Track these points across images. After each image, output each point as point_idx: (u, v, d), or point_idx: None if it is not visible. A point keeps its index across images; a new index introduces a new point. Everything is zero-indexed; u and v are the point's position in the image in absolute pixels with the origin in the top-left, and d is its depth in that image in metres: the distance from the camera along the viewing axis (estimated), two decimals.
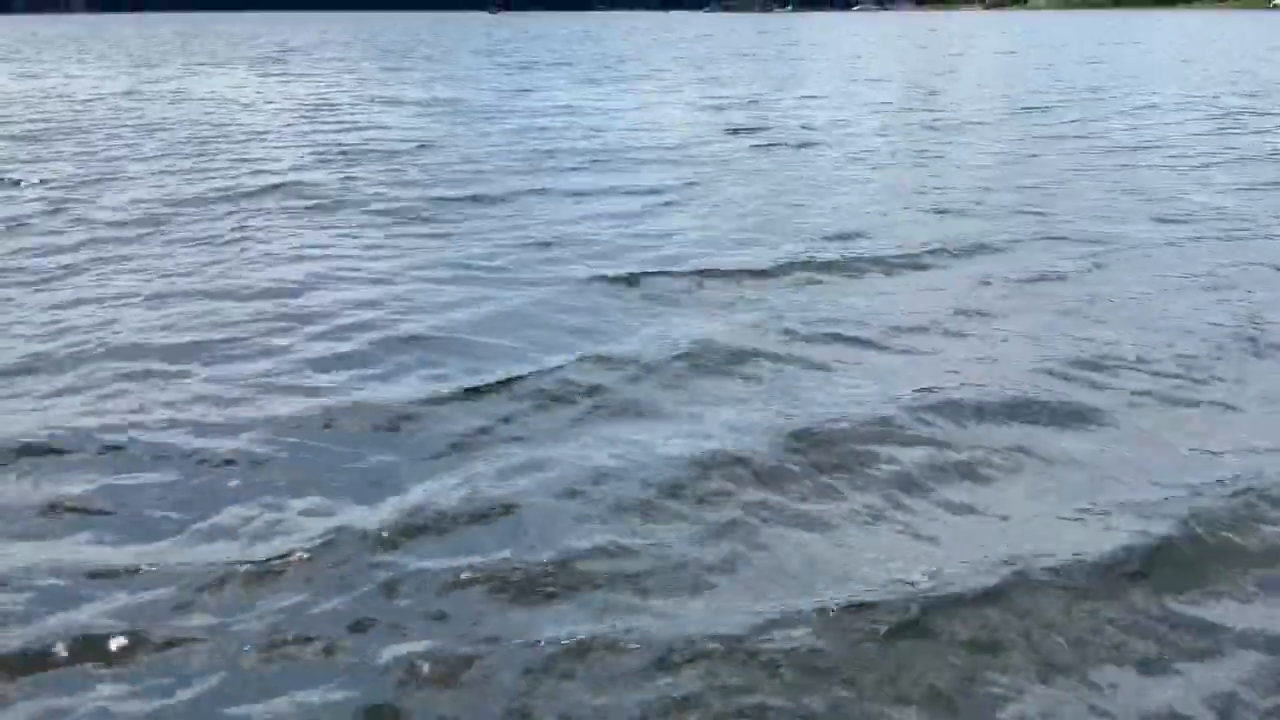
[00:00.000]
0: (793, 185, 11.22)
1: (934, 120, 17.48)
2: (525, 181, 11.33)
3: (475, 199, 10.29)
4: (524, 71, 31.67)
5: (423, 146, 14.12)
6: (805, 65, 35.80)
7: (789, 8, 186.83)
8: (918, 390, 5.11)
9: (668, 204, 10.13)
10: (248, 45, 54.28)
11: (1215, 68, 30.96)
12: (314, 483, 4.19)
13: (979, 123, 17.00)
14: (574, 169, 12.30)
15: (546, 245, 8.28)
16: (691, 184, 11.17)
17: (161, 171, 12.09)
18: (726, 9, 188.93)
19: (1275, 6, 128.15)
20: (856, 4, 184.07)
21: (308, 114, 18.64)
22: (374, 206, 9.94)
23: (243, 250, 8.20)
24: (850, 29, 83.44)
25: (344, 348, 5.82)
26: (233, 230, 8.88)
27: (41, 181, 11.38)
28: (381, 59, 40.06)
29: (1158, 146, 14.15)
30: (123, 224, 9.13)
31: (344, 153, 13.51)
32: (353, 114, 18.69)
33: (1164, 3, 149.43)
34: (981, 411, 4.88)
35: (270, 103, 21.04)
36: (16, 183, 11.33)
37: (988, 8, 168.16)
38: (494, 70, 32.48)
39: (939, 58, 39.92)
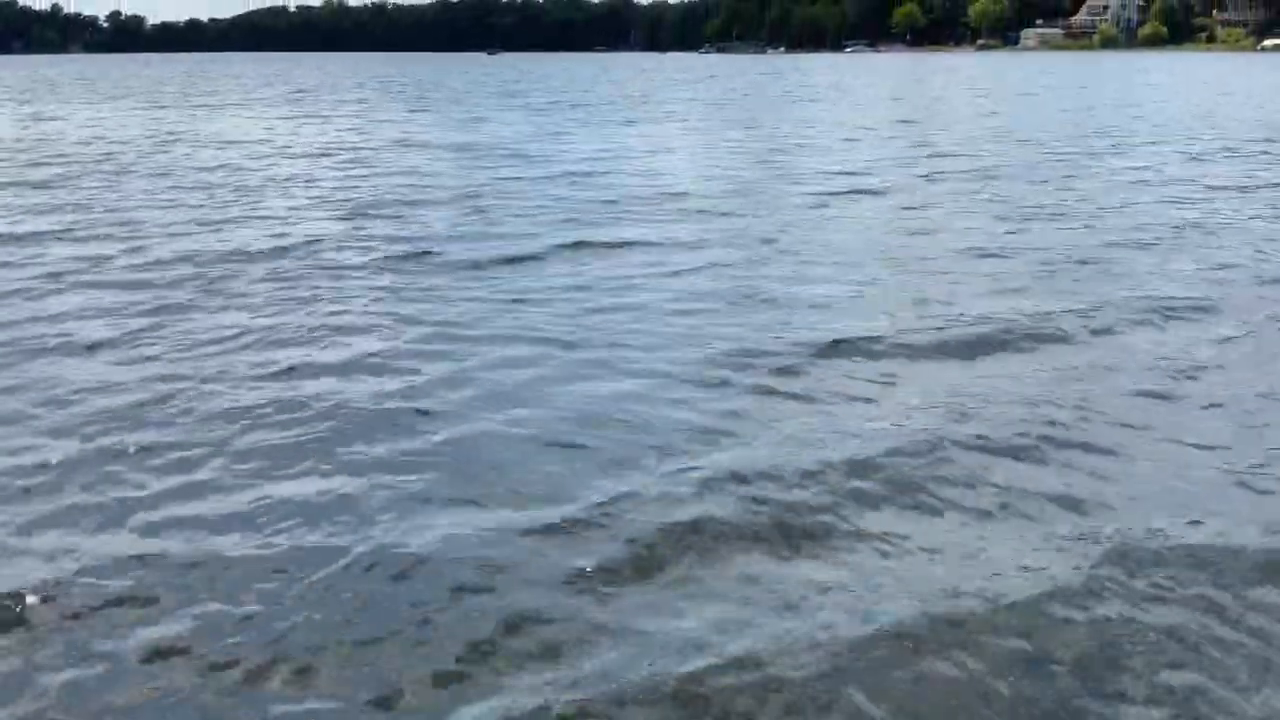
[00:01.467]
0: (876, 239, 10.76)
1: (999, 166, 17.39)
2: (590, 233, 10.78)
3: (537, 257, 9.61)
4: (545, 113, 31.71)
5: (469, 196, 13.68)
6: (827, 106, 35.94)
7: (781, 49, 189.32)
8: None
9: (753, 261, 9.47)
10: (260, 87, 54.43)
11: (1245, 111, 31.18)
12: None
13: (1062, 162, 16.94)
14: (633, 219, 11.87)
15: (628, 314, 7.59)
16: (771, 241, 10.46)
17: (213, 222, 11.70)
18: (721, 51, 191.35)
19: (1263, 48, 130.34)
20: (849, 46, 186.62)
21: (343, 159, 18.40)
22: (436, 261, 9.42)
23: (303, 313, 7.56)
24: (861, 69, 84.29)
25: (410, 458, 4.84)
26: (283, 291, 8.26)
27: (74, 231, 11.07)
28: (400, 100, 40.14)
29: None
30: (154, 285, 8.51)
31: (392, 202, 13.07)
32: (387, 159, 18.48)
33: (1149, 45, 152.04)
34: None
35: (301, 147, 20.90)
36: (53, 234, 10.93)
37: (978, 49, 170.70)
38: (516, 112, 32.52)
39: (975, 99, 40.15)
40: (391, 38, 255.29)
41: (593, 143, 21.53)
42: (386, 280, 8.70)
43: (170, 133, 24.21)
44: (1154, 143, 20.70)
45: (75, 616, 3.50)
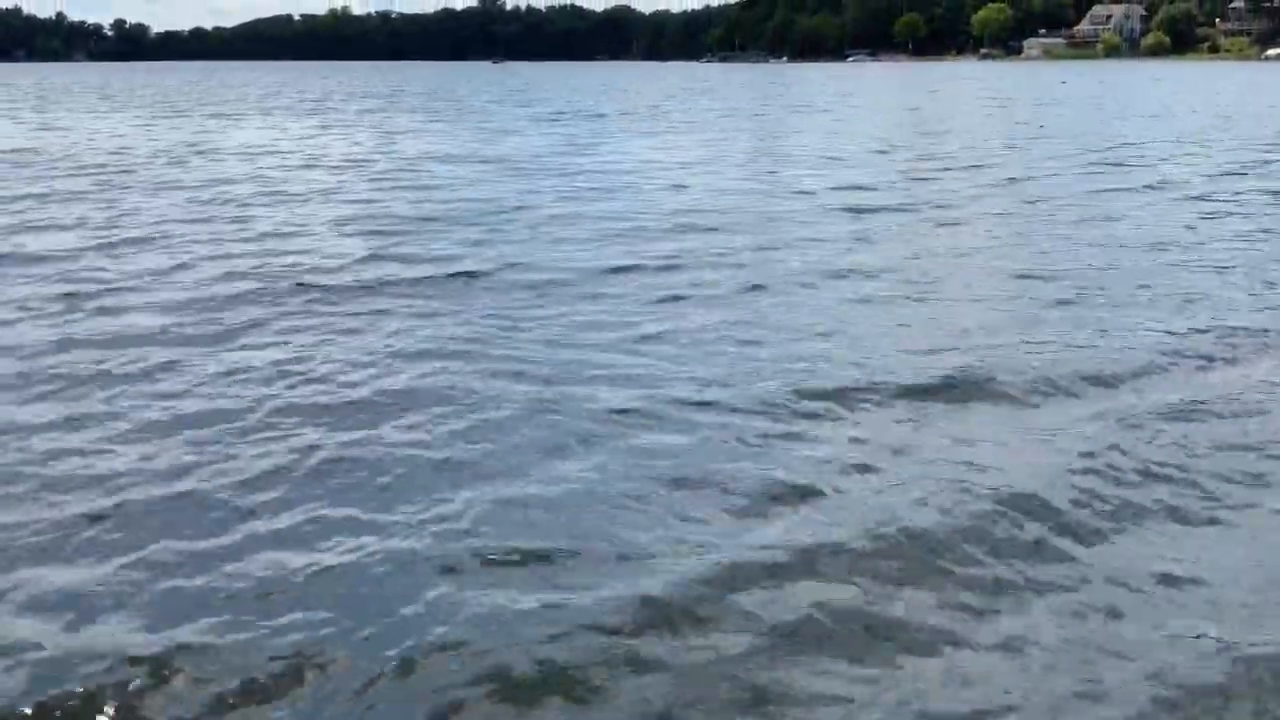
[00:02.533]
0: (922, 260, 10.20)
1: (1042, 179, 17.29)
2: (638, 249, 10.53)
3: (588, 278, 9.22)
4: (566, 124, 31.65)
5: (508, 211, 13.41)
6: (845, 116, 35.87)
7: (784, 59, 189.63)
8: None
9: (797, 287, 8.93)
10: (272, 96, 54.42)
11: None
12: None
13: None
14: (676, 235, 11.66)
15: (681, 344, 7.09)
16: (836, 272, 9.58)
17: (254, 237, 11.44)
18: (724, 60, 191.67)
19: (1267, 58, 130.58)
20: (851, 55, 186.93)
21: (370, 172, 18.17)
22: (487, 283, 9.05)
23: (353, 343, 7.15)
24: (868, 78, 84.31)
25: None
26: (331, 319, 7.84)
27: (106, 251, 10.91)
28: (418, 111, 40.05)
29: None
30: (195, 310, 8.13)
31: (424, 219, 12.66)
32: (414, 171, 18.27)
33: (1152, 55, 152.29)
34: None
35: (330, 159, 20.78)
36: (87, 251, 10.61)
37: (980, 59, 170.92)
38: (533, 122, 32.44)
39: (997, 109, 40.10)
40: (395, 46, 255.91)
41: (619, 155, 21.46)
42: (435, 304, 8.35)
43: (194, 144, 24.11)
44: (1185, 154, 20.62)
45: None
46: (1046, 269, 9.62)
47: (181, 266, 9.81)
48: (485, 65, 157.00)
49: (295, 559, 4.07)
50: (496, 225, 12.28)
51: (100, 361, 6.70)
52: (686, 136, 26.58)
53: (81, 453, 5.13)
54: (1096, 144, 22.91)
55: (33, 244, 10.92)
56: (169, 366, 6.58)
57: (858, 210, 13.46)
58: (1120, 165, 18.76)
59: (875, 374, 6.35)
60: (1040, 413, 5.76)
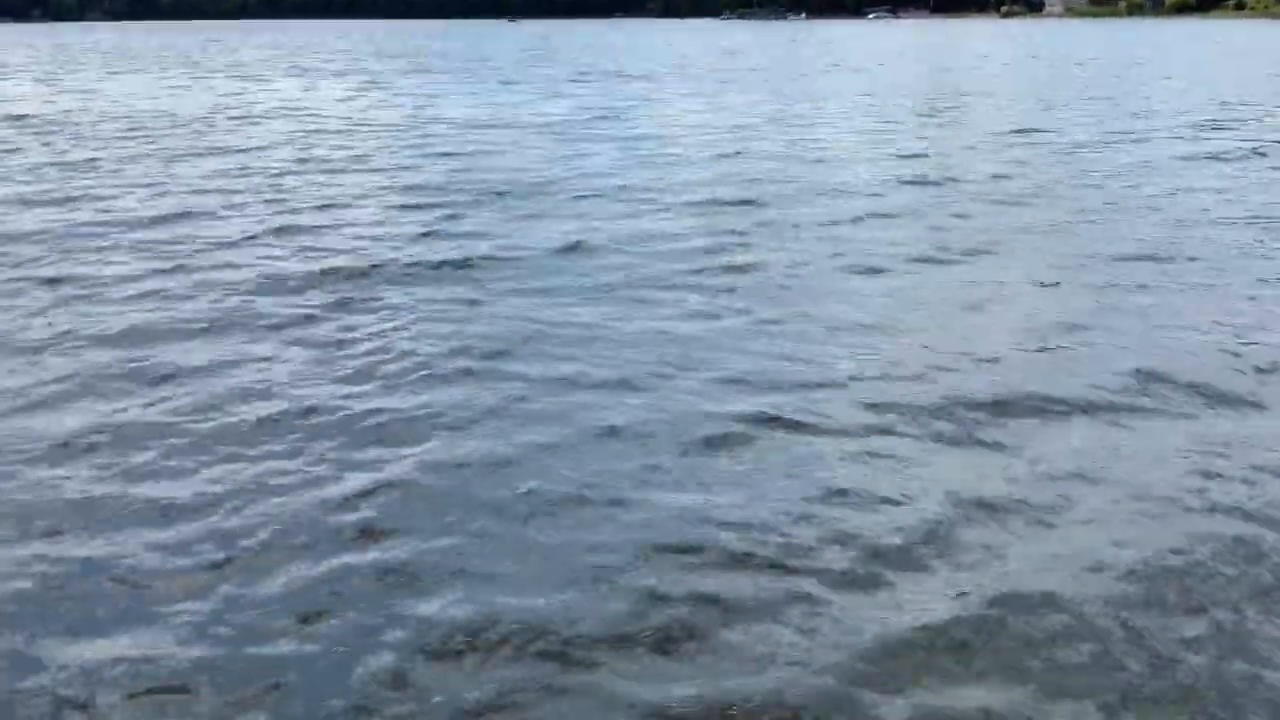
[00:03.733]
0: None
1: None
2: (717, 227, 10.33)
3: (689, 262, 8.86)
4: (604, 82, 31.42)
5: (576, 177, 13.11)
6: (886, 77, 35.40)
7: (802, 15, 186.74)
8: None
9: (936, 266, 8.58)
10: (297, 55, 54.02)
11: None
12: None
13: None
14: (776, 205, 11.54)
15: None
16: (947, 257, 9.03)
17: (305, 229, 10.47)
18: (742, 17, 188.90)
19: None
20: (870, 12, 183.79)
21: (409, 137, 17.77)
22: (583, 268, 8.65)
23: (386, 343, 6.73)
24: (895, 37, 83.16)
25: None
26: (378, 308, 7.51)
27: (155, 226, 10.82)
28: (455, 72, 39.54)
29: None
30: (244, 299, 7.77)
31: (493, 193, 12.19)
32: (460, 138, 17.80)
33: (1176, 11, 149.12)
34: None
35: (378, 123, 20.62)
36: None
37: (1003, 16, 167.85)
38: (571, 83, 32.06)
39: (1046, 70, 39.48)
40: (408, 5, 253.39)
41: (674, 116, 21.34)
42: (537, 286, 8.11)
43: (233, 105, 24.03)
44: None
45: None
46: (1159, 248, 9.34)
47: (251, 239, 9.81)
48: (503, 24, 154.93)
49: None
50: (563, 200, 11.86)
51: (190, 335, 6.80)
52: (736, 97, 26.38)
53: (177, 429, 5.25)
54: (1171, 106, 22.60)
55: (86, 214, 10.92)
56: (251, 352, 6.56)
57: (925, 183, 13.20)
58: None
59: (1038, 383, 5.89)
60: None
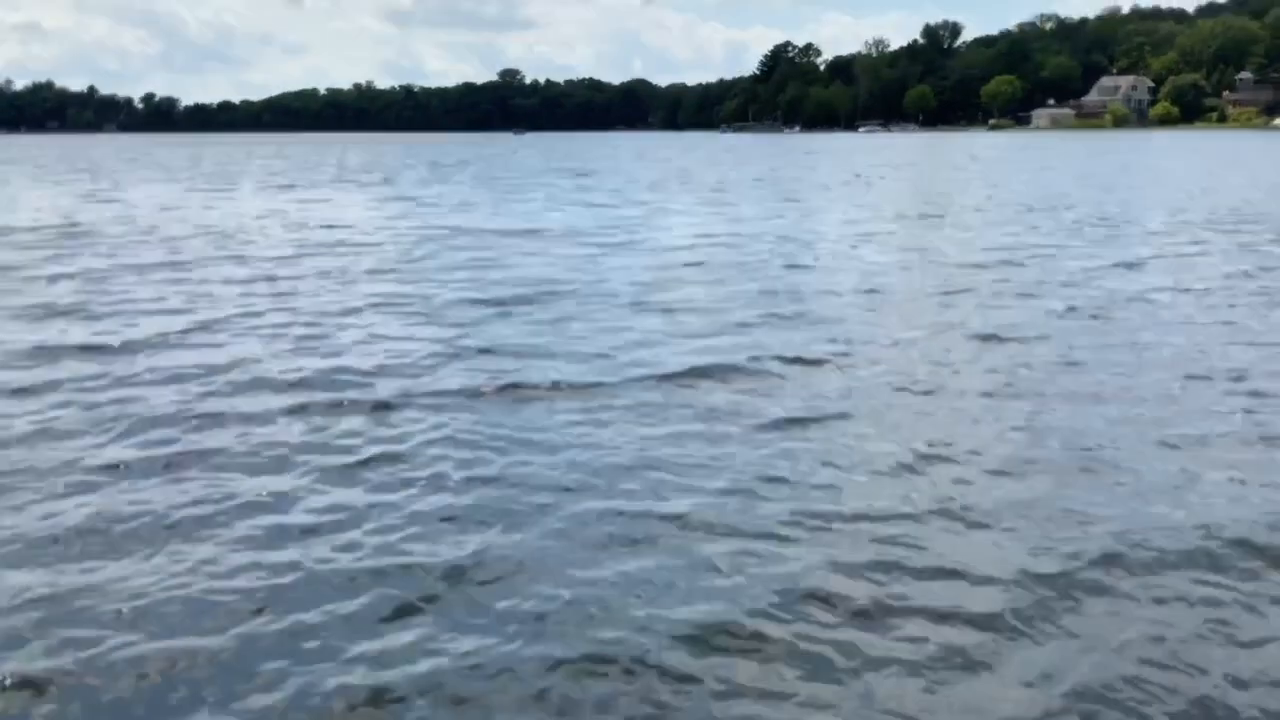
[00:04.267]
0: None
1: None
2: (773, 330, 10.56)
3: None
4: (631, 195, 32.28)
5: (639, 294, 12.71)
6: (895, 188, 36.43)
7: (797, 129, 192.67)
8: None
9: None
10: (325, 168, 55.36)
11: None
12: None
13: None
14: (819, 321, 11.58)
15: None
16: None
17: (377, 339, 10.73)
18: (739, 130, 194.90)
19: (1277, 127, 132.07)
20: (862, 126, 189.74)
21: (463, 258, 16.94)
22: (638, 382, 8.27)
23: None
24: (891, 149, 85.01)
25: None
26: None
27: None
28: (477, 183, 40.59)
29: None
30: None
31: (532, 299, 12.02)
32: (509, 257, 17.01)
33: (1160, 125, 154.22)
34: None
35: (423, 232, 21.06)
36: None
37: (990, 129, 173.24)
38: (599, 193, 32.94)
39: (1055, 180, 40.67)
40: (417, 119, 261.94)
41: (708, 227, 21.99)
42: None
43: (277, 216, 24.81)
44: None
45: None
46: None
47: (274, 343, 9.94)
48: (508, 137, 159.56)
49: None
50: (603, 310, 11.67)
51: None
52: (766, 206, 27.24)
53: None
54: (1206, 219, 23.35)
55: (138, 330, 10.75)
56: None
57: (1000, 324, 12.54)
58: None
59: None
60: None
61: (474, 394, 8.10)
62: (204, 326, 10.86)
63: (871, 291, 13.10)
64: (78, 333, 10.60)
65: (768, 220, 23.47)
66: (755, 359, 9.17)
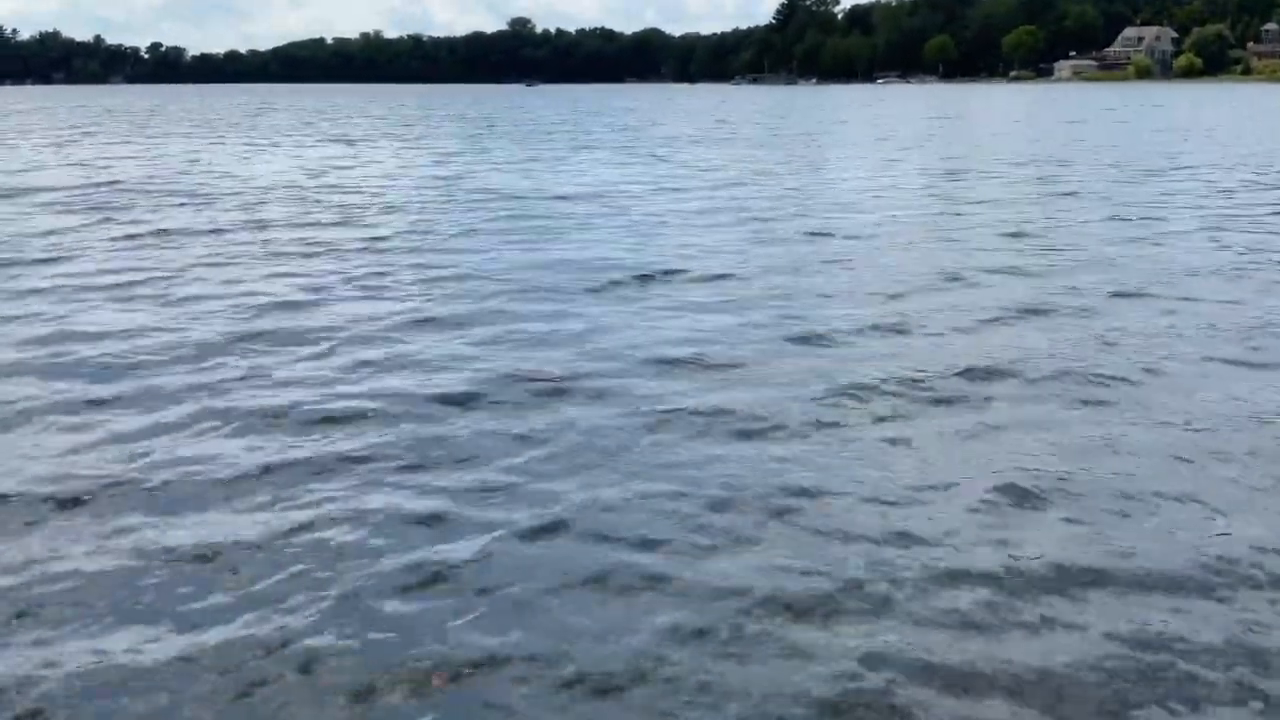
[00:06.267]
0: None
1: None
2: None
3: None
4: (672, 146, 31.66)
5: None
6: (930, 141, 35.58)
7: (813, 80, 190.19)
8: None
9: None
10: (352, 120, 54.57)
11: None
12: None
13: None
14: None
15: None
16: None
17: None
18: (754, 82, 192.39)
19: None
20: (880, 78, 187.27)
21: (505, 211, 16.55)
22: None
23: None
24: (914, 100, 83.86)
25: None
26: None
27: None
28: (512, 139, 39.77)
29: None
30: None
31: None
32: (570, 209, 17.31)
33: (1184, 77, 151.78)
34: None
35: (472, 188, 20.54)
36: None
37: (1010, 81, 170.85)
38: (639, 154, 32.23)
39: (1094, 131, 39.76)
40: (426, 70, 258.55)
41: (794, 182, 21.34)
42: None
43: (316, 172, 24.14)
44: None
45: None
46: None
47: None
48: (521, 88, 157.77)
49: None
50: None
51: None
52: (813, 155, 26.59)
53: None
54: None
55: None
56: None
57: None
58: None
59: None
60: None
61: None
62: None
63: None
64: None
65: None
66: None
